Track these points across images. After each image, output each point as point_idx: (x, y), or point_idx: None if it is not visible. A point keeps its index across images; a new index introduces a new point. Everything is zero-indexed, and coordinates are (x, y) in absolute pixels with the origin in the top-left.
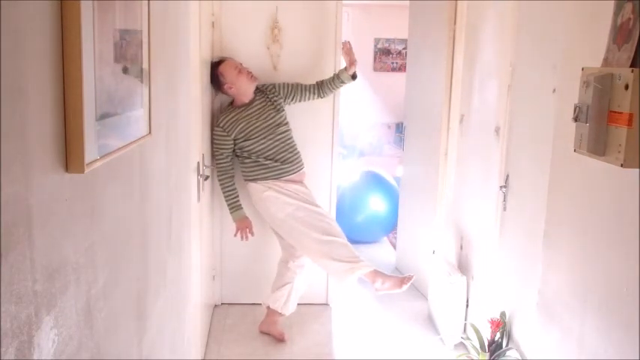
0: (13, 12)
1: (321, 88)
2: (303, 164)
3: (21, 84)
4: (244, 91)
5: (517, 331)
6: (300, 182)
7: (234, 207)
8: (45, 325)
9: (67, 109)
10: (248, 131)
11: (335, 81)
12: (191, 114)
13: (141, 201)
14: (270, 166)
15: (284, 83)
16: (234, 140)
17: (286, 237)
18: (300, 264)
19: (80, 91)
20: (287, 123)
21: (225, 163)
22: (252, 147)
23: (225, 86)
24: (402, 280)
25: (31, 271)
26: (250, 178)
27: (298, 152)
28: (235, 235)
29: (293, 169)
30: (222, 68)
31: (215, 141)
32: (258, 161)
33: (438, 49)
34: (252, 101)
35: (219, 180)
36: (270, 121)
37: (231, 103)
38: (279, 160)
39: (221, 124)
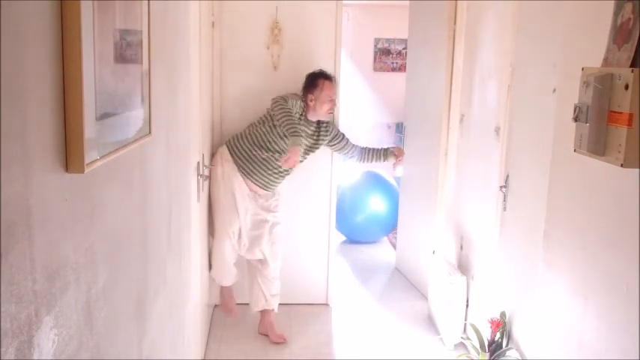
0: (13, 12)
1: (366, 155)
2: (273, 191)
3: (21, 84)
4: (315, 114)
5: (517, 331)
6: (257, 195)
7: (299, 133)
8: (45, 325)
9: (67, 109)
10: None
11: (381, 156)
12: (191, 114)
13: (141, 201)
14: (255, 160)
15: (338, 129)
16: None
17: (213, 210)
18: (250, 258)
19: (80, 91)
20: (303, 161)
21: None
22: (272, 140)
23: (310, 97)
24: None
25: (31, 271)
26: (237, 146)
27: (280, 180)
28: (285, 163)
29: (260, 182)
30: (325, 85)
31: (293, 100)
32: (256, 150)
33: (438, 49)
34: (312, 122)
35: (288, 114)
36: (306, 144)
37: (307, 105)
38: (265, 168)
39: (297, 96)
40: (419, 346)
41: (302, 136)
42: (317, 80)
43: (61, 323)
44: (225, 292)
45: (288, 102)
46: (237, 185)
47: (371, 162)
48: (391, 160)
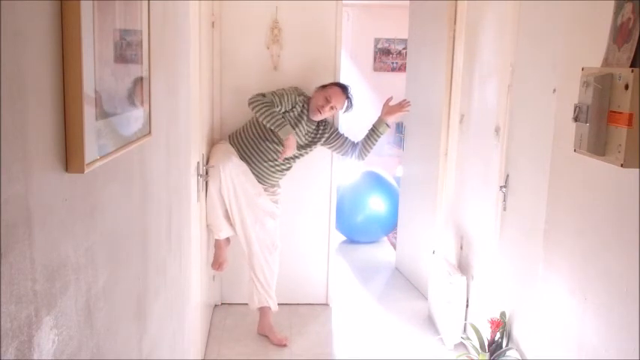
0: (13, 12)
1: (362, 151)
2: (269, 185)
3: (21, 84)
4: (310, 108)
5: (517, 331)
6: (256, 190)
7: (285, 122)
8: (45, 325)
9: (67, 109)
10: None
11: (373, 136)
12: (191, 114)
13: (141, 201)
14: (253, 149)
15: (337, 129)
16: (286, 109)
17: (210, 179)
18: (249, 259)
19: (80, 91)
20: (300, 157)
21: (274, 106)
22: (270, 131)
23: (315, 92)
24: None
25: (31, 271)
26: (237, 136)
27: (277, 175)
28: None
29: (255, 173)
30: (332, 89)
31: (283, 92)
32: (254, 140)
33: (438, 49)
34: (313, 121)
35: (267, 108)
36: (299, 142)
37: (309, 100)
38: (261, 159)
39: (298, 90)
40: (419, 346)
41: (289, 124)
42: (330, 84)
43: (61, 323)
44: (217, 245)
45: (266, 95)
46: (238, 173)
47: (371, 148)
48: (384, 127)
